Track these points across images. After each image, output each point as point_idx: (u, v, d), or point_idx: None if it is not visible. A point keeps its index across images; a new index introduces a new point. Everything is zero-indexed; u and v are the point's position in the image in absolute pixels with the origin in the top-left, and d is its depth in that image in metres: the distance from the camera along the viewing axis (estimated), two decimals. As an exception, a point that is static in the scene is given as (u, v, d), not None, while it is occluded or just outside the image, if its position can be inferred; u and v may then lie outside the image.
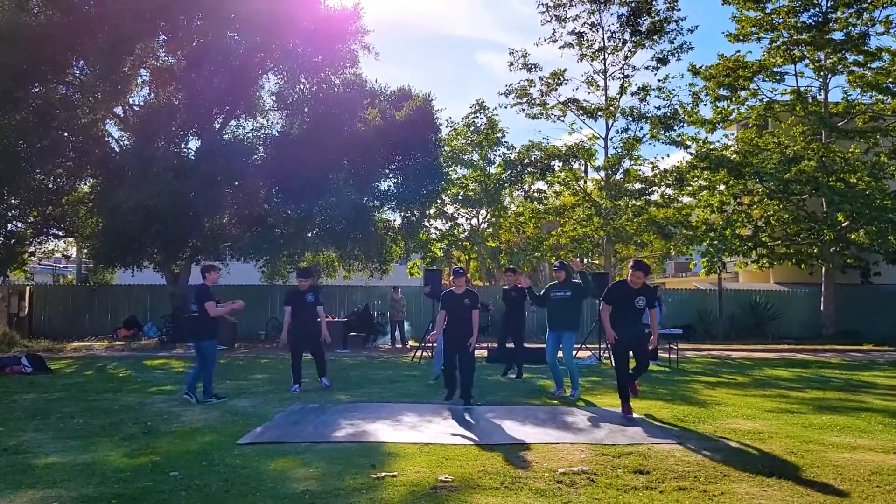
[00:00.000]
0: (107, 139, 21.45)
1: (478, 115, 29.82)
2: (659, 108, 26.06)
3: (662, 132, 25.86)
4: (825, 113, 25.04)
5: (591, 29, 26.30)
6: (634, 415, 8.19)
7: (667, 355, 15.66)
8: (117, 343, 20.76)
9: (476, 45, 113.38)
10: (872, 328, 24.29)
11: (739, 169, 24.72)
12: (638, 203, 26.13)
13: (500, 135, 29.58)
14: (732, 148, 26.72)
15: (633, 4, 25.54)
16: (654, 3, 25.54)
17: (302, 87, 20.89)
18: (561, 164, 26.94)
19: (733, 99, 26.05)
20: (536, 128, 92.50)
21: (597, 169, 27.32)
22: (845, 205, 23.02)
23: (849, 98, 25.39)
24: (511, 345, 12.41)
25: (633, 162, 26.31)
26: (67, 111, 19.11)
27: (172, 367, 14.47)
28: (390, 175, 22.26)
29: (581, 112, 26.57)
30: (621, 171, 26.38)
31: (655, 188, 26.44)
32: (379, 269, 23.37)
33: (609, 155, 26.31)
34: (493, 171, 28.70)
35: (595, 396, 9.95)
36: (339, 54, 20.75)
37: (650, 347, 8.23)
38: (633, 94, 26.18)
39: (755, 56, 25.91)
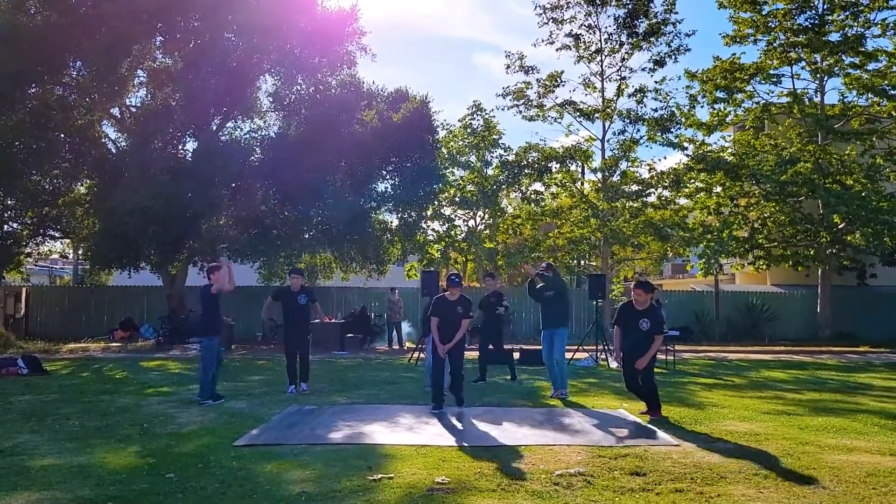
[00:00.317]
0: (104, 140, 21.43)
1: (475, 116, 29.82)
2: (656, 111, 26.07)
3: (659, 134, 25.86)
4: (821, 115, 25.10)
5: (588, 31, 26.30)
6: (630, 416, 8.20)
7: (664, 357, 15.66)
8: (114, 344, 20.72)
9: (473, 47, 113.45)
10: (869, 330, 24.35)
11: (736, 171, 24.77)
12: (635, 205, 26.13)
13: (497, 136, 29.58)
14: (729, 150, 26.76)
15: (629, 6, 25.55)
16: (651, 5, 25.56)
17: (299, 88, 20.88)
18: (558, 165, 26.91)
19: (730, 101, 26.10)
20: (533, 129, 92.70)
21: (594, 171, 27.33)
22: (841, 207, 23.07)
23: (845, 100, 25.45)
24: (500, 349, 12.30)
25: (630, 164, 26.32)
26: (64, 112, 19.08)
27: (169, 368, 14.46)
28: (387, 176, 22.24)
29: (578, 114, 26.57)
30: (618, 172, 26.38)
31: (652, 190, 26.44)
32: (376, 270, 23.36)
33: (606, 157, 26.32)
34: (490, 172, 28.69)
35: (591, 398, 9.96)
36: (337, 56, 20.75)
37: (637, 367, 8.14)
38: (630, 96, 26.20)
39: (752, 58, 26.03)
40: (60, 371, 13.78)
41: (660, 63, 25.99)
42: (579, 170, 28.26)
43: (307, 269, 25.97)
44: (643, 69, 26.54)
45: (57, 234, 23.61)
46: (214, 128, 20.81)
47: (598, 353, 15.85)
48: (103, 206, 18.26)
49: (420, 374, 12.62)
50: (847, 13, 24.28)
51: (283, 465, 5.88)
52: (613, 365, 14.70)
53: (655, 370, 14.08)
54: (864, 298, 26.30)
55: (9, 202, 20.49)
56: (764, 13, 25.02)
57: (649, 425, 7.70)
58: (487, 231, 30.28)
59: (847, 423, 8.04)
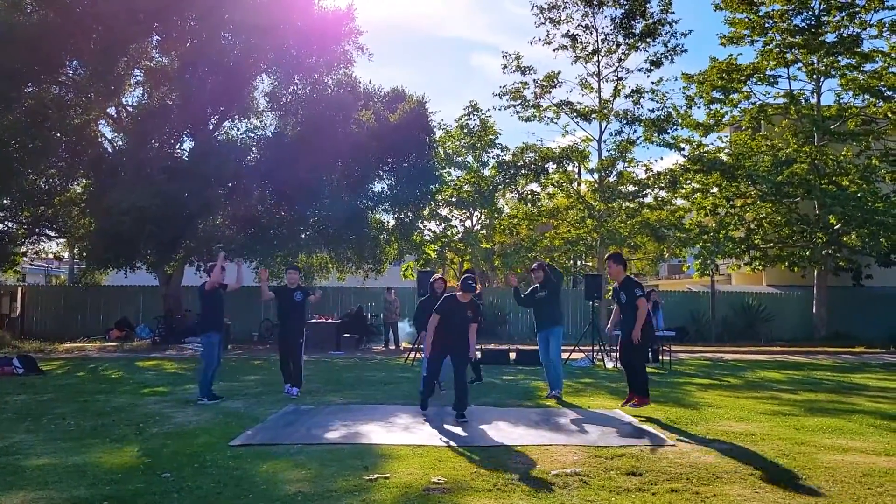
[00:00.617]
0: (100, 140, 21.40)
1: (471, 116, 29.86)
2: (652, 111, 26.14)
3: (656, 135, 25.91)
4: (818, 116, 25.17)
5: (584, 31, 26.37)
6: (626, 416, 8.21)
7: (660, 357, 15.70)
8: (110, 344, 20.69)
9: (470, 47, 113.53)
10: (864, 330, 24.42)
11: (732, 172, 24.82)
12: (631, 205, 26.18)
13: (493, 137, 29.63)
14: (725, 151, 26.81)
15: (626, 7, 25.59)
16: (647, 5, 25.61)
17: (296, 88, 20.88)
18: (555, 166, 26.96)
19: (726, 102, 26.15)
20: (530, 130, 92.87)
21: (590, 171, 27.38)
22: (837, 207, 23.13)
23: (841, 101, 25.53)
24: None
25: (626, 164, 26.37)
26: (61, 111, 19.05)
27: (165, 368, 14.43)
28: (384, 176, 22.25)
29: (575, 114, 26.61)
30: (615, 173, 26.43)
31: (649, 190, 26.50)
32: (373, 270, 23.37)
33: (603, 157, 26.36)
34: (486, 172, 28.72)
35: (587, 398, 9.97)
36: (333, 55, 20.75)
37: (633, 340, 8.15)
38: (626, 97, 26.26)
39: (748, 59, 26.07)
40: (56, 371, 13.75)
41: (656, 63, 26.05)
42: (576, 170, 28.32)
43: (304, 269, 25.98)
44: (640, 70, 26.69)
45: (53, 234, 23.57)
46: (211, 127, 20.80)
47: (595, 354, 15.87)
48: (99, 206, 18.24)
49: (417, 375, 12.60)
50: (843, 14, 24.34)
51: (279, 465, 5.87)
52: (609, 365, 14.73)
53: (651, 370, 14.19)
54: (859, 299, 26.36)
55: (4, 201, 20.44)
56: (760, 14, 25.06)
57: (643, 426, 7.70)
58: (484, 231, 30.32)
59: (842, 423, 8.05)
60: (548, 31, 26.64)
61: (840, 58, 24.64)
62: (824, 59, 24.77)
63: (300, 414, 8.39)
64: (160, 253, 19.29)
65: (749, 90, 26.11)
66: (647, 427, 7.63)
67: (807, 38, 24.37)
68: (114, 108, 21.05)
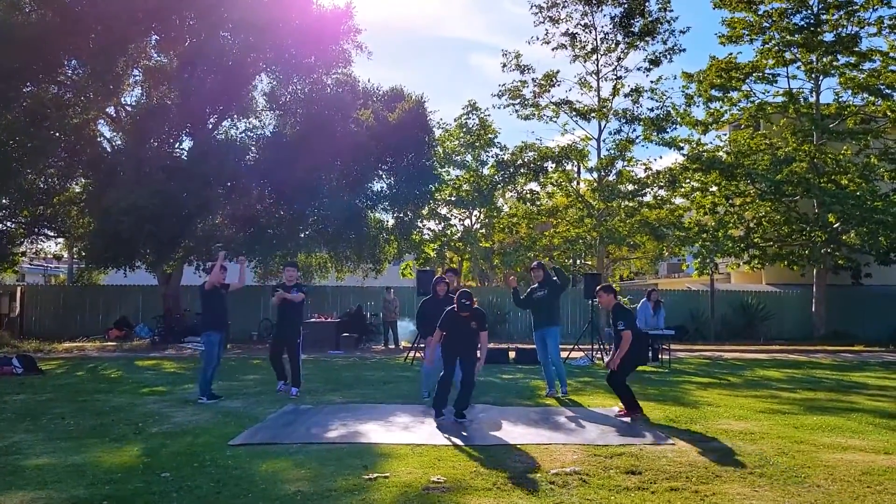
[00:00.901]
0: (99, 139, 21.39)
1: (470, 115, 29.87)
2: (652, 110, 26.13)
3: (655, 134, 25.91)
4: (817, 114, 25.17)
5: (583, 30, 26.35)
6: (625, 416, 8.21)
7: (660, 356, 15.70)
8: (109, 344, 20.67)
9: (469, 47, 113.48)
10: (863, 329, 24.42)
11: (731, 170, 24.81)
12: (630, 204, 26.17)
13: (492, 136, 29.64)
14: (724, 149, 26.81)
15: (625, 5, 25.58)
16: (646, 4, 25.60)
17: (295, 87, 20.87)
18: (554, 165, 26.95)
19: (725, 100, 26.15)
20: (529, 129, 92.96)
21: (589, 170, 27.36)
22: (836, 206, 23.13)
23: (840, 100, 25.52)
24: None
25: (625, 163, 26.36)
26: (59, 111, 19.03)
27: (164, 367, 14.42)
28: (383, 176, 22.25)
29: (574, 113, 26.60)
30: (614, 172, 26.42)
31: (648, 189, 26.50)
32: (372, 269, 23.36)
33: (602, 156, 26.35)
34: (485, 171, 28.72)
35: (587, 397, 9.97)
36: (332, 54, 20.74)
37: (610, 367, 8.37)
38: (625, 96, 26.25)
39: (747, 57, 26.06)
40: (55, 370, 13.75)
41: (655, 62, 26.04)
42: (575, 169, 28.32)
43: (303, 269, 25.97)
44: (639, 69, 26.64)
45: (52, 234, 23.56)
46: (210, 127, 20.79)
47: (594, 353, 15.87)
48: (98, 205, 18.23)
49: (416, 374, 12.60)
50: (841, 13, 24.32)
51: (278, 465, 5.87)
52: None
53: (650, 369, 14.21)
54: (858, 298, 26.37)
55: (3, 201, 20.43)
56: (760, 13, 25.05)
57: (645, 424, 7.70)
58: (483, 230, 30.34)
59: (842, 421, 8.06)
60: (547, 30, 26.63)
61: (839, 56, 24.63)
62: (823, 58, 24.77)
63: (299, 413, 8.39)
64: (159, 252, 19.28)
65: (748, 89, 26.12)
66: (646, 426, 7.63)
67: (806, 37, 24.36)
68: (113, 107, 21.03)
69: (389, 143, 20.73)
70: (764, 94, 26.38)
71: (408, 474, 5.51)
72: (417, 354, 15.41)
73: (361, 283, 24.67)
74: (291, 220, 20.39)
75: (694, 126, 26.52)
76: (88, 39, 18.44)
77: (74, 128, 19.47)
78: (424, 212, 25.85)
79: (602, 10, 25.99)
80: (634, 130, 26.20)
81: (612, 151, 26.20)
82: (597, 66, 26.55)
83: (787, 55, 25.19)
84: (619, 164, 26.30)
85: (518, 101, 26.78)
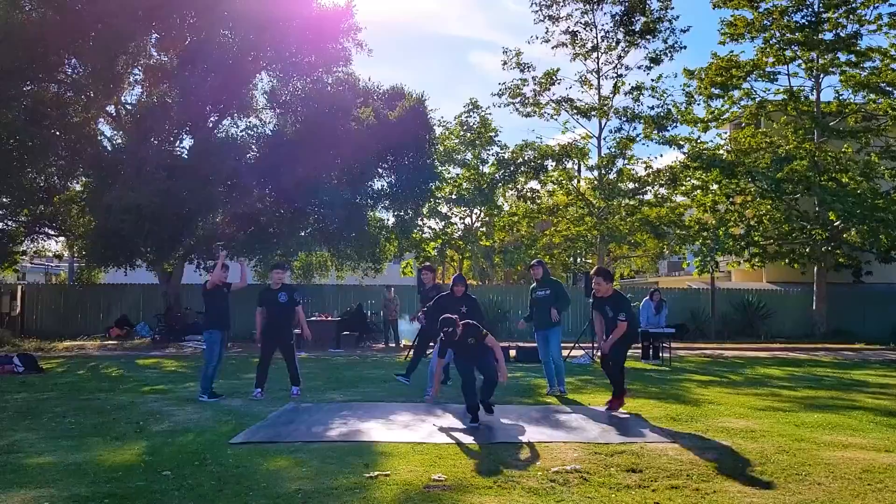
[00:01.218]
0: (99, 138, 21.36)
1: (471, 114, 29.88)
2: (652, 108, 26.14)
3: (656, 132, 25.90)
4: (817, 113, 25.15)
5: (584, 28, 26.37)
6: (625, 413, 8.22)
7: (660, 354, 15.72)
8: (109, 342, 20.69)
9: (469, 45, 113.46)
10: (864, 327, 24.40)
11: (732, 168, 24.79)
12: (631, 203, 26.17)
13: (493, 134, 29.64)
14: (725, 147, 26.80)
15: (626, 4, 25.56)
16: (647, 2, 25.58)
17: (295, 85, 20.84)
18: (554, 163, 26.96)
19: (726, 98, 26.13)
20: (530, 127, 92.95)
21: (590, 168, 27.37)
22: (837, 204, 23.10)
23: (841, 98, 25.49)
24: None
25: (626, 161, 26.37)
26: (60, 109, 19.03)
27: (165, 366, 14.44)
28: (383, 174, 22.22)
29: (574, 111, 26.60)
30: (615, 170, 26.42)
31: (649, 188, 26.50)
32: (372, 268, 23.35)
33: (602, 154, 26.35)
34: (486, 170, 28.72)
35: (587, 395, 9.97)
36: (332, 52, 20.71)
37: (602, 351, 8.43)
38: (626, 94, 26.26)
39: (748, 56, 26.01)
40: (56, 369, 13.76)
41: (656, 60, 26.04)
42: (575, 167, 28.33)
43: (303, 267, 25.96)
44: (639, 67, 26.65)
45: (52, 232, 23.56)
46: (210, 125, 20.78)
47: (594, 351, 15.87)
48: (99, 204, 18.21)
49: (416, 373, 12.59)
50: (841, 10, 24.28)
51: (279, 463, 5.88)
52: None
53: (650, 367, 14.23)
54: (859, 296, 26.35)
55: (4, 200, 20.42)
56: (761, 10, 25.01)
57: (643, 423, 7.71)
58: (484, 229, 30.34)
59: (842, 419, 8.06)
60: (547, 28, 26.65)
61: (840, 55, 24.60)
62: (823, 56, 24.73)
63: (300, 412, 8.40)
64: (160, 251, 19.28)
65: (749, 87, 26.11)
66: (646, 424, 7.64)
67: (806, 35, 24.34)
68: (113, 106, 21.01)
69: (390, 142, 20.71)
70: (765, 92, 26.45)
71: (409, 472, 5.51)
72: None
73: (360, 281, 24.66)
74: (292, 219, 20.38)
75: (694, 124, 26.51)
76: (88, 38, 18.42)
77: (75, 126, 19.46)
78: (425, 210, 25.85)
79: (602, 8, 25.99)
80: (635, 129, 26.24)
81: (613, 150, 26.21)
82: (597, 64, 26.57)
83: (788, 53, 25.16)
84: (620, 163, 26.31)
85: (518, 99, 26.79)
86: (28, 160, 19.02)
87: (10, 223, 21.84)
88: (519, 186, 28.51)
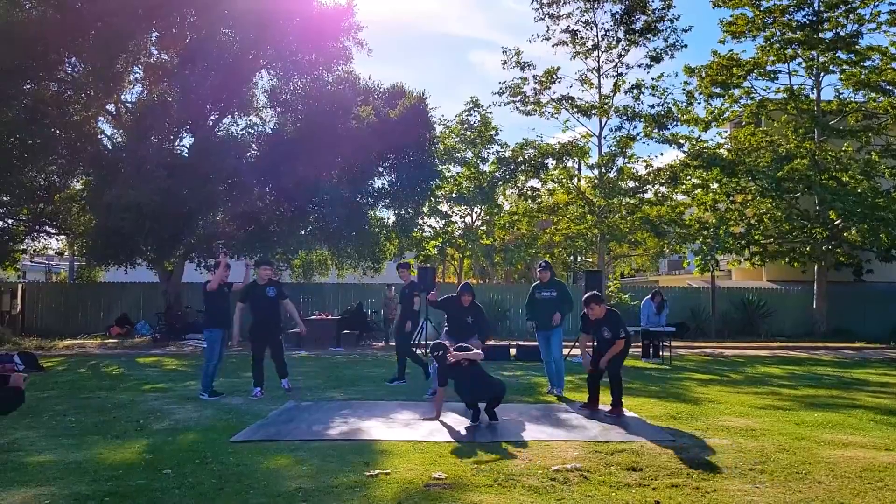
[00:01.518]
0: (99, 136, 21.36)
1: (471, 112, 29.87)
2: (653, 107, 26.10)
3: (656, 131, 25.89)
4: (818, 111, 25.13)
5: (584, 27, 26.32)
6: (626, 412, 8.22)
7: (660, 353, 15.72)
8: (110, 341, 20.69)
9: (469, 44, 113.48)
10: (865, 326, 24.39)
11: (732, 167, 24.78)
12: (631, 201, 26.15)
13: (493, 133, 29.63)
14: (725, 146, 26.79)
15: (626, 3, 25.54)
16: (648, 1, 25.56)
17: (295, 84, 20.83)
18: (554, 162, 26.94)
19: (727, 97, 26.12)
20: (530, 125, 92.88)
21: (590, 167, 27.33)
22: (837, 203, 23.09)
23: (841, 96, 25.47)
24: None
25: (626, 160, 26.35)
26: (60, 108, 19.02)
27: (165, 365, 14.44)
28: (384, 173, 22.23)
29: (575, 110, 26.57)
30: (615, 169, 26.39)
31: (649, 186, 26.48)
32: (372, 267, 23.36)
33: (603, 153, 26.33)
34: (486, 168, 28.71)
35: (586, 395, 9.95)
36: (333, 51, 20.70)
37: (601, 365, 8.37)
38: (626, 93, 26.22)
39: (748, 54, 26.01)
40: (57, 367, 13.76)
41: (656, 59, 26.01)
42: (576, 166, 28.30)
43: (303, 266, 25.97)
44: (639, 65, 26.61)
45: (53, 231, 23.57)
46: (211, 124, 20.77)
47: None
48: (99, 203, 18.21)
49: (417, 371, 12.59)
50: (841, 9, 24.26)
51: (280, 461, 5.88)
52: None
53: (650, 366, 14.24)
54: (860, 294, 26.34)
55: (4, 198, 20.43)
56: (762, 9, 24.98)
57: (643, 422, 7.71)
58: (484, 227, 30.33)
59: (843, 418, 8.06)
60: (547, 27, 26.60)
61: (840, 53, 24.57)
62: (824, 55, 24.71)
63: (301, 410, 8.41)
64: (160, 249, 19.29)
65: (749, 85, 26.08)
66: (647, 422, 7.65)
67: (807, 34, 24.31)
68: (113, 104, 21.01)
69: (390, 140, 20.70)
70: (765, 90, 26.36)
71: (409, 471, 5.51)
72: (417, 352, 15.39)
73: (359, 280, 24.66)
74: (292, 218, 20.39)
75: (695, 123, 26.49)
76: (88, 36, 18.41)
77: (75, 125, 19.46)
78: (425, 209, 25.84)
79: (602, 6, 25.96)
80: (635, 127, 26.19)
81: (613, 148, 26.17)
82: (598, 62, 26.53)
83: (788, 52, 25.14)
84: (620, 161, 26.27)
85: (519, 98, 26.75)
86: (28, 159, 19.02)
87: (10, 222, 21.85)
88: (519, 185, 28.49)
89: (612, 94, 26.37)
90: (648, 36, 25.82)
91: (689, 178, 26.18)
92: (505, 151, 28.40)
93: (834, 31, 24.50)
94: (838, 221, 24.24)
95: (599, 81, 26.58)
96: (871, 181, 24.07)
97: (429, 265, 21.17)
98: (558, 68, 26.63)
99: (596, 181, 26.94)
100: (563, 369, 10.21)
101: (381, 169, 21.97)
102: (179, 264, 21.64)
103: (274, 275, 10.53)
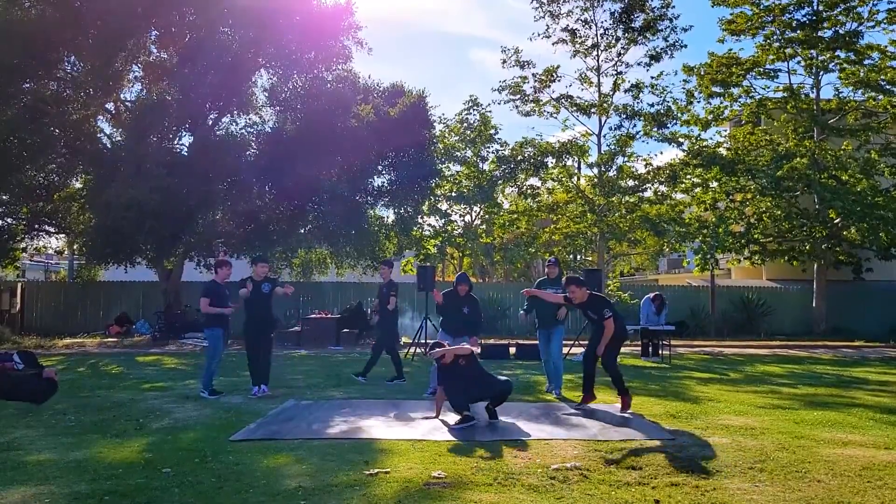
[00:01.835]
0: (99, 135, 21.35)
1: (471, 111, 29.85)
2: (652, 106, 26.11)
3: (655, 129, 25.89)
4: (817, 110, 25.13)
5: (584, 25, 26.33)
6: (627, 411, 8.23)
7: (660, 352, 15.73)
8: (109, 340, 20.69)
9: (469, 43, 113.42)
10: (864, 324, 24.37)
11: (732, 166, 24.78)
12: (631, 200, 26.16)
13: (493, 131, 29.61)
14: (725, 145, 26.78)
15: (626, 1, 25.53)
16: (647, 0, 25.55)
17: (295, 83, 20.82)
18: (554, 160, 26.94)
19: (726, 96, 26.11)
20: (530, 124, 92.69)
21: (590, 166, 27.34)
22: (837, 202, 23.10)
23: (840, 95, 25.46)
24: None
25: (626, 159, 26.34)
26: (59, 107, 18.99)
27: (165, 363, 14.44)
28: (383, 171, 22.22)
29: (574, 109, 26.57)
30: (614, 167, 26.39)
31: (648, 185, 26.48)
32: (371, 265, 23.34)
33: (602, 152, 26.32)
34: (486, 167, 28.70)
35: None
36: (333, 50, 20.69)
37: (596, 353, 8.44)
38: (626, 91, 26.22)
39: (748, 53, 25.98)
40: (56, 366, 13.73)
41: (656, 58, 26.00)
42: (575, 165, 28.30)
43: (303, 265, 25.95)
44: (639, 64, 26.60)
45: (52, 230, 23.55)
46: (210, 123, 20.76)
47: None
48: (99, 201, 18.20)
49: (416, 370, 12.63)
50: (840, 8, 24.24)
51: (279, 460, 5.88)
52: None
53: (650, 364, 14.23)
54: (859, 293, 26.33)
55: (3, 197, 20.42)
56: (761, 7, 24.97)
57: (643, 420, 7.71)
58: (484, 226, 30.32)
59: (842, 417, 8.06)
60: (547, 25, 26.61)
61: (839, 52, 24.57)
62: (824, 54, 24.70)
63: (300, 409, 8.40)
64: (160, 248, 19.27)
65: (749, 84, 26.07)
66: (646, 421, 7.65)
67: (807, 33, 24.30)
68: (112, 103, 20.99)
69: (390, 139, 20.69)
70: (764, 89, 26.35)
71: (408, 470, 5.51)
72: (417, 350, 15.42)
73: (358, 278, 24.64)
74: (291, 216, 20.38)
75: (695, 122, 26.49)
76: (87, 35, 18.40)
77: (74, 124, 19.44)
78: (425, 207, 25.83)
79: (602, 5, 25.97)
80: (635, 126, 26.19)
81: (613, 147, 26.17)
82: (597, 61, 26.53)
83: (788, 50, 25.13)
84: (620, 160, 26.28)
85: (518, 96, 26.76)
86: (28, 157, 19.00)
87: (9, 220, 21.83)
88: (519, 184, 28.49)
89: (611, 93, 26.38)
90: (648, 35, 25.81)
91: (688, 176, 26.18)
92: (504, 150, 28.40)
93: (833, 29, 24.50)
94: (838, 220, 24.25)
95: (599, 80, 26.59)
96: (870, 180, 24.07)
97: (428, 264, 21.15)
98: (558, 67, 26.65)
99: (595, 180, 26.94)
100: (562, 369, 10.20)
101: (380, 168, 21.96)
102: (179, 263, 21.62)
103: (271, 272, 10.51)
